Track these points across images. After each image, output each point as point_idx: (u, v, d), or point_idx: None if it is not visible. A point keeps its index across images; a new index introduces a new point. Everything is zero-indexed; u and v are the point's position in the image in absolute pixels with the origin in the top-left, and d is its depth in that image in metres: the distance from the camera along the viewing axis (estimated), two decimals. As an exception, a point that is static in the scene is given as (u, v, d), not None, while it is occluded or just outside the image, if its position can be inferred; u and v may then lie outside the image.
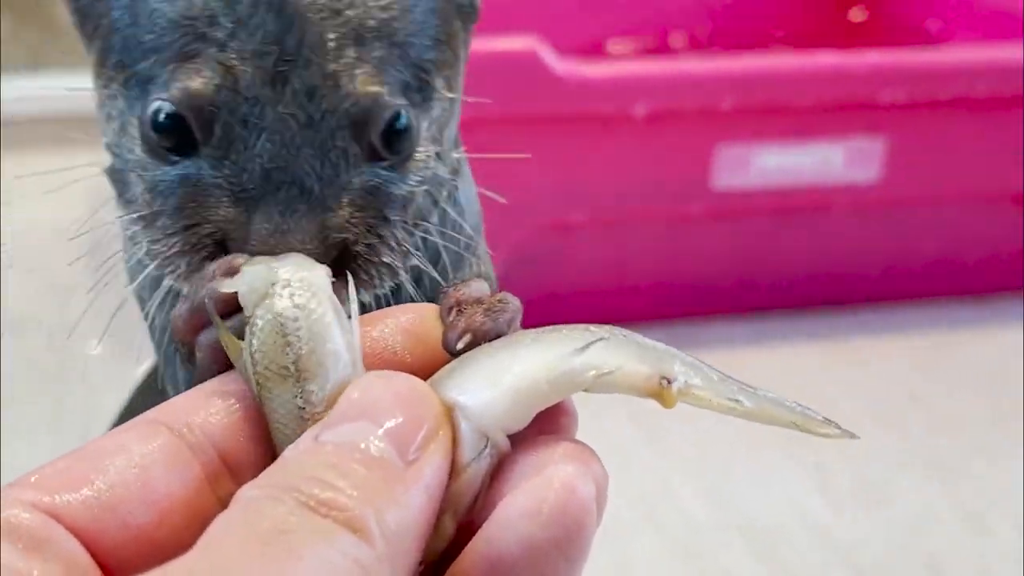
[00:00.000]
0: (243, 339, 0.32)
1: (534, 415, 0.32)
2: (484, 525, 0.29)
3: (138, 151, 0.38)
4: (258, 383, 0.31)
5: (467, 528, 0.30)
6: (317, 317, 0.32)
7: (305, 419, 0.31)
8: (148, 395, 0.75)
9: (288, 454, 0.29)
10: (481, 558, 0.29)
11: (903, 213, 1.40)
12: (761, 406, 0.33)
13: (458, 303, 0.34)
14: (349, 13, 0.37)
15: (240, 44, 0.36)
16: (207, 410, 0.31)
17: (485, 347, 0.33)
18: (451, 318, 0.34)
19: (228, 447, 0.31)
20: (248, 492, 0.27)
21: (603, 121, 1.22)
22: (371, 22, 0.37)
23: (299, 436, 0.30)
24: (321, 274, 0.33)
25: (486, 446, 0.31)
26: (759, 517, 1.05)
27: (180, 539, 0.28)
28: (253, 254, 0.34)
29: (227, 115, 0.36)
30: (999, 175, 1.40)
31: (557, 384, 0.32)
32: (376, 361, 0.32)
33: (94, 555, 0.27)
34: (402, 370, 0.32)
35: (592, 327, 0.33)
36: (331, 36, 0.36)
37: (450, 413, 0.31)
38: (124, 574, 0.27)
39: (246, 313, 0.32)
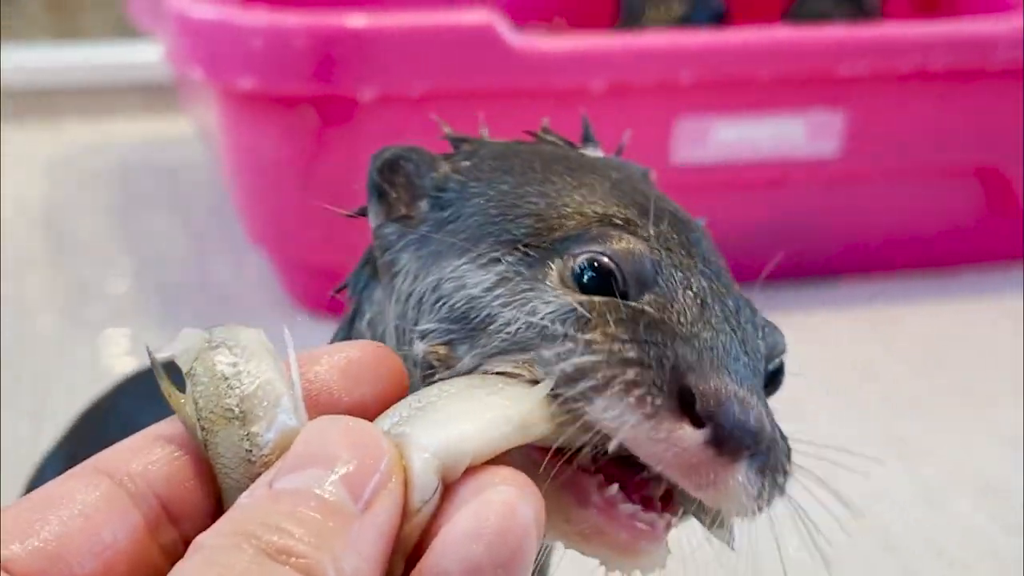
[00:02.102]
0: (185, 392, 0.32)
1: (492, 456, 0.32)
2: (427, 551, 0.29)
3: (548, 298, 0.39)
4: (203, 428, 0.31)
5: (412, 556, 0.30)
6: (255, 362, 0.32)
7: (252, 462, 0.31)
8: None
9: (244, 501, 0.29)
10: None
11: (863, 186, 1.41)
12: None
13: None
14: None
15: (660, 241, 0.41)
16: (148, 458, 0.31)
17: (436, 389, 0.33)
18: None
19: (169, 495, 0.31)
20: (208, 540, 0.27)
21: (561, 96, 1.21)
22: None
23: (247, 480, 0.30)
24: (254, 331, 0.34)
25: (436, 488, 0.31)
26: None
27: None
28: (722, 395, 0.35)
29: (663, 280, 0.39)
30: (958, 148, 1.40)
31: (525, 429, 0.32)
32: (312, 403, 0.33)
33: None
34: (339, 410, 0.32)
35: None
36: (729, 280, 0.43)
37: (401, 457, 0.31)
38: None
39: (184, 370, 0.32)
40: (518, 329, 0.38)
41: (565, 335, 0.36)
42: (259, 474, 0.30)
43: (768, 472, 0.37)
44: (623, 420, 0.34)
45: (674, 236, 0.41)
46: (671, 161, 1.29)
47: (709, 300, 0.39)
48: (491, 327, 0.39)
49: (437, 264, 0.42)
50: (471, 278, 0.41)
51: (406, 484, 0.30)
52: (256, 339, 0.33)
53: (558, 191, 0.43)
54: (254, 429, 0.31)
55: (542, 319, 0.37)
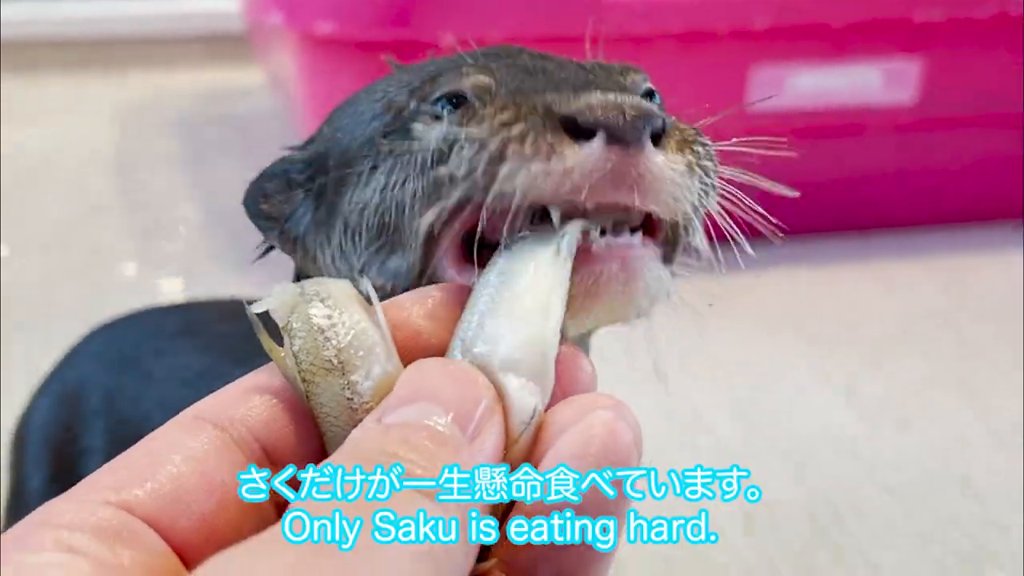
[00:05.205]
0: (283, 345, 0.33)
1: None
2: None
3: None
4: (304, 379, 0.32)
5: None
6: (348, 313, 0.33)
7: (355, 409, 0.32)
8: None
9: (356, 435, 0.30)
10: (532, 507, 0.30)
11: (937, 136, 1.39)
12: None
13: None
14: None
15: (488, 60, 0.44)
16: (247, 405, 0.32)
17: (480, 297, 0.34)
18: None
19: (270, 439, 0.32)
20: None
21: (636, 42, 1.21)
22: None
23: (350, 427, 0.31)
24: (342, 282, 0.35)
25: (535, 412, 0.31)
26: (791, 438, 1.06)
27: (238, 527, 0.29)
28: (592, 101, 0.36)
29: (503, 79, 0.42)
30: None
31: (565, 290, 0.34)
32: (403, 347, 0.33)
33: (167, 543, 0.29)
34: (429, 353, 0.33)
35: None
36: None
37: (499, 386, 0.32)
38: (194, 559, 0.28)
39: (280, 324, 0.33)
40: (417, 192, 0.39)
41: (451, 146, 0.37)
42: (361, 420, 0.31)
43: (685, 148, 0.38)
44: (531, 168, 0.35)
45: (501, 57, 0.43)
46: (747, 109, 1.28)
47: (541, 63, 0.41)
48: (406, 214, 0.40)
49: (335, 212, 0.44)
50: (364, 197, 0.42)
51: (505, 414, 0.31)
52: (345, 290, 0.34)
53: (391, 89, 0.44)
54: (353, 378, 0.32)
55: (431, 161, 0.38)
